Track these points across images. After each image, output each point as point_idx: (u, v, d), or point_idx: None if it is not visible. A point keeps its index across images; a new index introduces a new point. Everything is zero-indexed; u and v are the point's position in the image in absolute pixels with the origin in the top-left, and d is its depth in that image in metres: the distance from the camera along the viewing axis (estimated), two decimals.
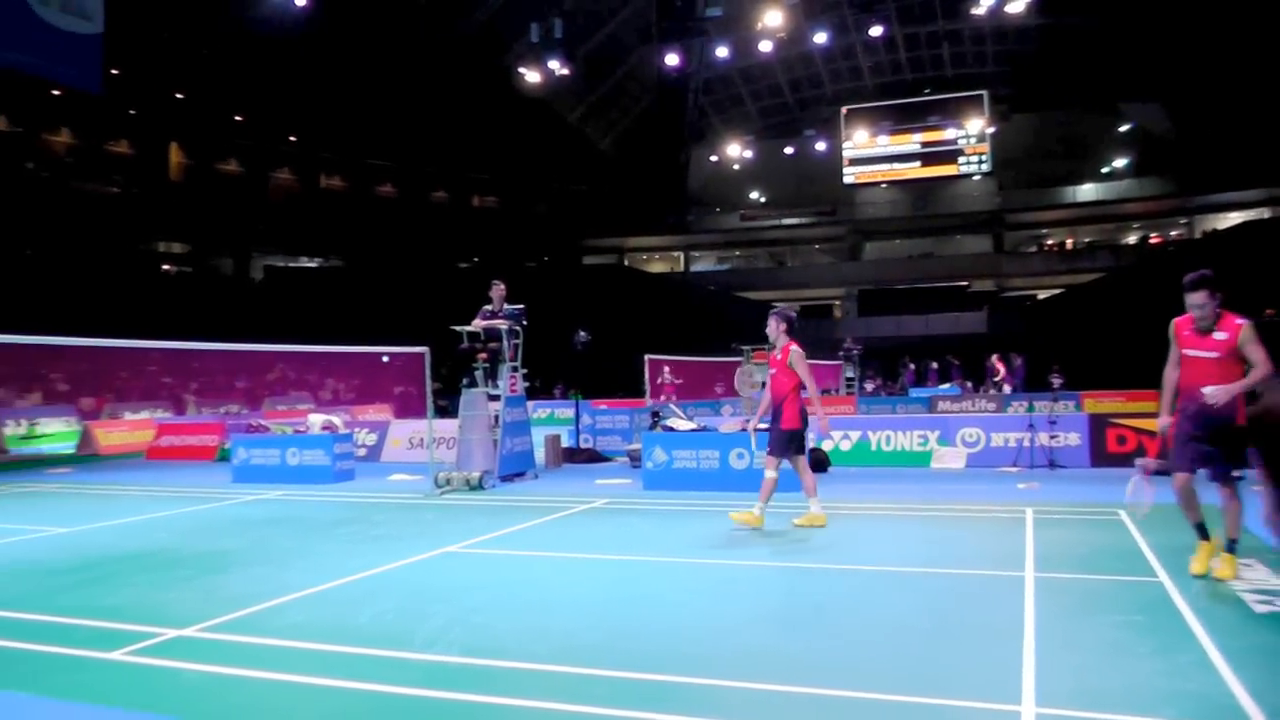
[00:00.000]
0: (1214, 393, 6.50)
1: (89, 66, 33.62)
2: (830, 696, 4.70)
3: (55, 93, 40.09)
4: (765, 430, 9.94)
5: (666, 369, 25.47)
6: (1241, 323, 6.66)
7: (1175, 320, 6.92)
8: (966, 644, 5.55)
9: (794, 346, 9.67)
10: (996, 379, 30.68)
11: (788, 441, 9.61)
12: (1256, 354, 6.56)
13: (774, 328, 9.85)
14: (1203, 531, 6.88)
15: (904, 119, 58.65)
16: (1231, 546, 6.79)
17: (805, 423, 9.75)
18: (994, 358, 31.44)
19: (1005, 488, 12.49)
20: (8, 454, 22.32)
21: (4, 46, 30.90)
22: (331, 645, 5.75)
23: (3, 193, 40.36)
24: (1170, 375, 6.94)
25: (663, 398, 21.16)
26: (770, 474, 9.62)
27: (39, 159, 44.80)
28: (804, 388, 9.62)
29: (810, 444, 14.41)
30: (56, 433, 25.47)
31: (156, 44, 42.23)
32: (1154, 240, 55.97)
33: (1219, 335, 6.70)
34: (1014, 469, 14.54)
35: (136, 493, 14.56)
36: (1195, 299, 6.73)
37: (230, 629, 6.20)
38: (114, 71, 37.37)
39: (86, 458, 21.32)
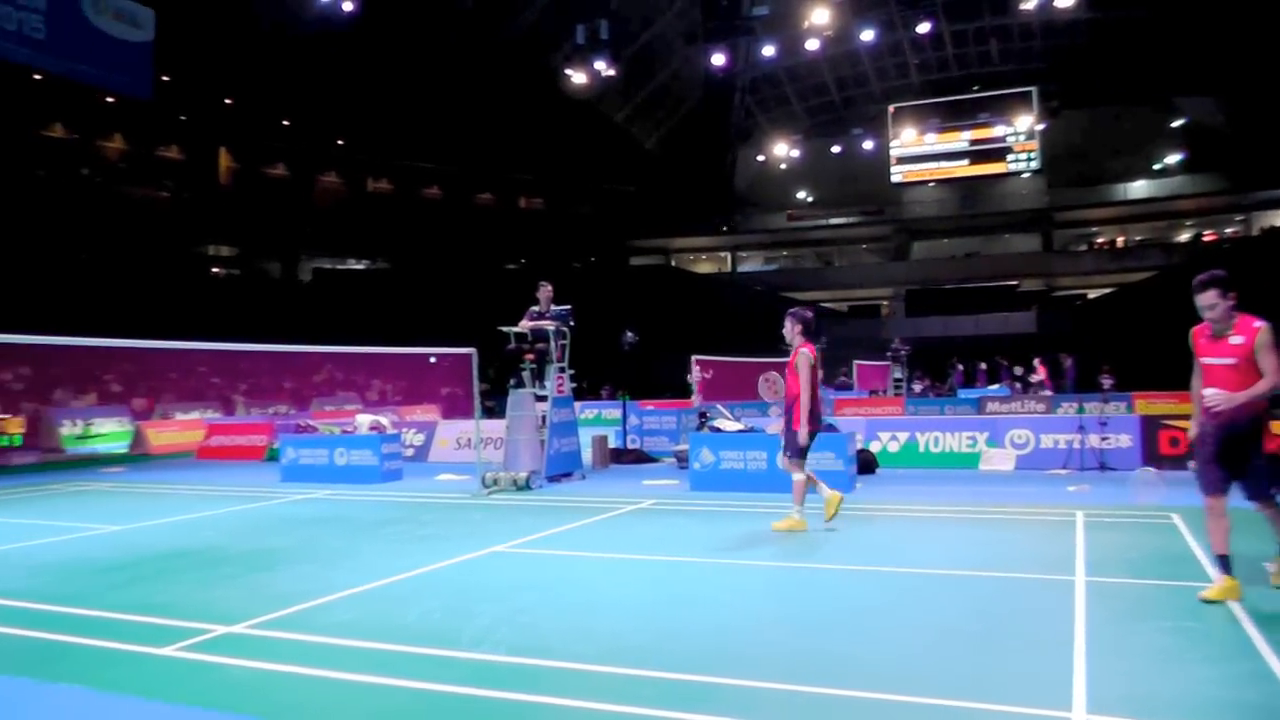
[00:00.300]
0: (1212, 396, 6.17)
1: (140, 74, 34.22)
2: (877, 700, 4.63)
3: (108, 100, 40.78)
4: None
5: (696, 367, 25.38)
6: (1259, 326, 6.17)
7: (1194, 328, 6.47)
8: (1015, 648, 5.45)
9: (804, 349, 9.53)
10: (1035, 379, 30.26)
11: (801, 445, 9.48)
12: (1268, 361, 6.07)
13: (789, 329, 9.73)
14: (1225, 564, 6.29)
15: (952, 116, 57.99)
16: None
17: (818, 426, 9.61)
18: (1036, 360, 31.04)
19: (1055, 490, 12.30)
20: (64, 453, 22.76)
21: (60, 55, 31.54)
22: (379, 643, 5.76)
23: (58, 198, 41.16)
24: (1195, 386, 6.51)
25: (695, 398, 21.09)
26: (798, 476, 9.52)
27: (93, 165, 45.61)
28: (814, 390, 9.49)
29: (859, 444, 14.34)
30: (110, 432, 25.88)
31: (205, 51, 42.82)
32: (1208, 238, 54.85)
33: (1234, 340, 6.23)
34: (1064, 471, 14.31)
35: (187, 492, 14.75)
36: (1204, 299, 6.28)
37: (278, 626, 6.24)
38: (164, 78, 37.94)
39: (139, 457, 21.65)
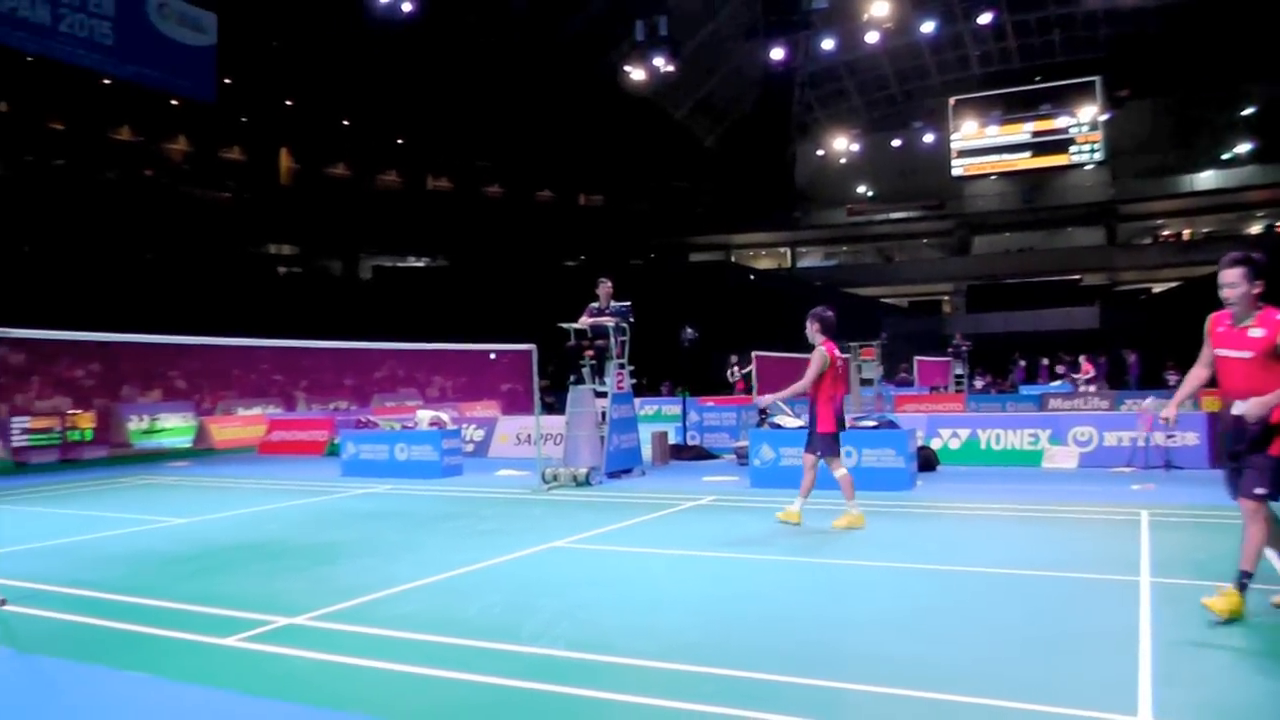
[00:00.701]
0: (1247, 409, 5.54)
1: (204, 77, 34.87)
2: (938, 700, 4.55)
3: (173, 103, 41.54)
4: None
5: (735, 364, 25.24)
6: None
7: (1213, 314, 5.89)
8: (1079, 650, 5.31)
9: (821, 348, 9.47)
10: (1082, 377, 29.72)
11: (831, 442, 9.48)
12: None
13: (809, 328, 9.71)
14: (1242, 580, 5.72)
15: (1013, 108, 57.03)
16: (1239, 580, 5.69)
17: (841, 425, 9.56)
18: (1082, 357, 30.50)
19: (1119, 489, 12.02)
20: (132, 448, 23.25)
21: (127, 60, 32.23)
22: (440, 636, 5.78)
23: (126, 199, 42.03)
24: (1194, 374, 6.01)
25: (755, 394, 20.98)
26: (839, 472, 9.47)
27: (157, 166, 46.52)
28: (836, 389, 9.50)
29: (919, 441, 14.15)
30: (175, 427, 26.38)
31: (266, 54, 43.50)
32: None
33: (1254, 333, 5.62)
34: (1128, 469, 13.98)
35: (250, 486, 14.98)
36: (1226, 278, 5.69)
37: (341, 618, 6.29)
38: (226, 81, 38.60)
39: (202, 452, 22.06)
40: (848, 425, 13.09)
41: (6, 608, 6.77)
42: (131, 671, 5.32)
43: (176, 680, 5.14)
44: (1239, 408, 5.63)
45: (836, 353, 9.59)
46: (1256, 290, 5.68)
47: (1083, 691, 4.58)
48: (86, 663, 5.50)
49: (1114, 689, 4.61)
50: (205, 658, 5.57)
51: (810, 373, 9.43)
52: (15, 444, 19.92)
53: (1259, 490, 5.59)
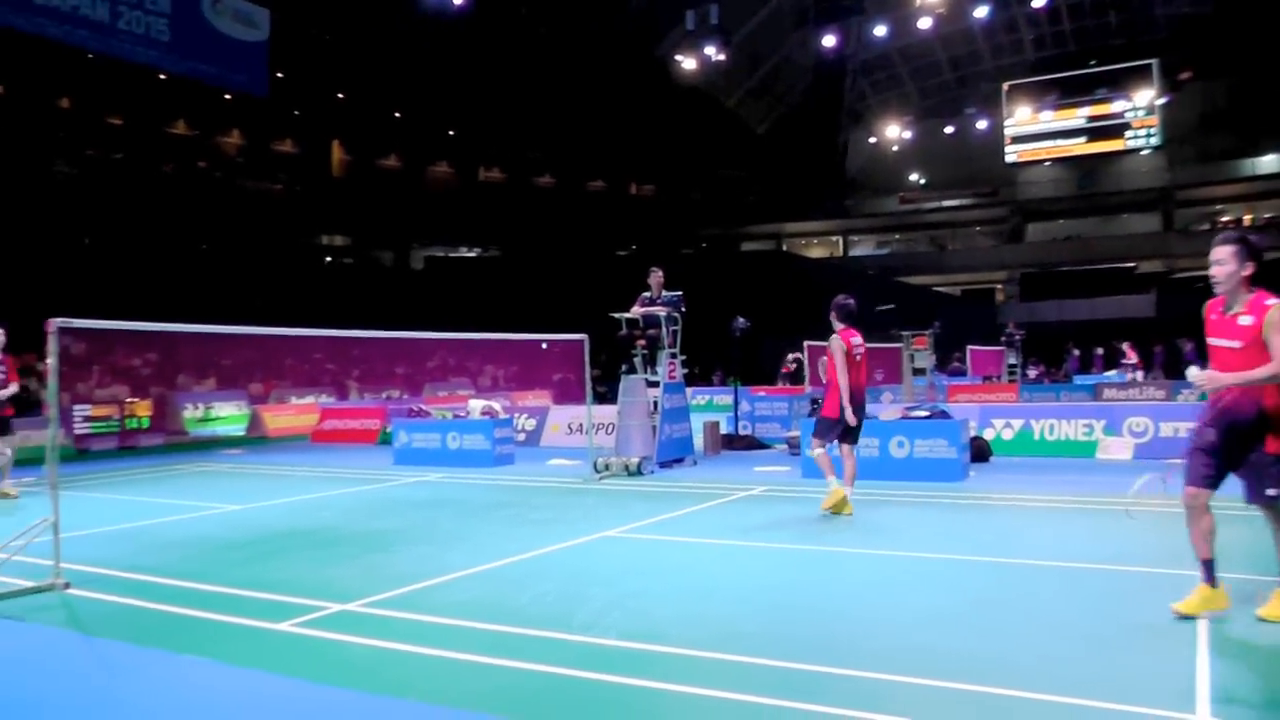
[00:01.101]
0: (1196, 375, 5.41)
1: (257, 72, 35.38)
2: (991, 695, 4.47)
3: (226, 97, 42.08)
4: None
5: (792, 360, 25.06)
6: (1272, 304, 5.22)
7: (1209, 301, 5.59)
8: (1135, 645, 5.21)
9: (835, 336, 9.65)
10: (1127, 363, 29.17)
11: (826, 428, 9.73)
12: (1278, 343, 5.17)
13: (832, 316, 9.83)
14: (1207, 570, 5.63)
15: (1068, 93, 56.00)
16: None
17: (857, 415, 9.65)
18: (1126, 345, 29.94)
19: (1175, 481, 11.72)
20: (187, 435, 23.64)
21: (183, 56, 32.77)
22: (492, 624, 5.81)
23: (180, 192, 42.69)
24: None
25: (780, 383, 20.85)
26: (815, 451, 9.85)
27: (211, 159, 47.17)
28: (852, 377, 9.66)
29: (972, 432, 13.99)
30: (229, 416, 26.78)
31: (318, 47, 43.92)
32: None
33: (1243, 320, 5.28)
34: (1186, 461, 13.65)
35: (302, 473, 15.16)
36: (1215, 255, 5.36)
37: (393, 605, 6.34)
38: (279, 75, 39.06)
39: (256, 439, 22.36)
40: (899, 415, 13.06)
41: (70, 591, 6.92)
42: (189, 655, 5.41)
43: (232, 664, 5.21)
44: (1191, 372, 5.51)
45: (853, 341, 9.68)
46: (1246, 272, 5.35)
47: (1137, 686, 4.50)
48: (146, 646, 5.60)
49: (1170, 684, 4.52)
50: (260, 642, 5.64)
51: (838, 362, 9.60)
52: (78, 431, 20.34)
53: (1271, 492, 5.34)
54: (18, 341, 25.09)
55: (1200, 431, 5.64)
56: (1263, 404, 5.30)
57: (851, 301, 9.88)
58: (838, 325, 9.72)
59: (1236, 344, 5.33)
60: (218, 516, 10.64)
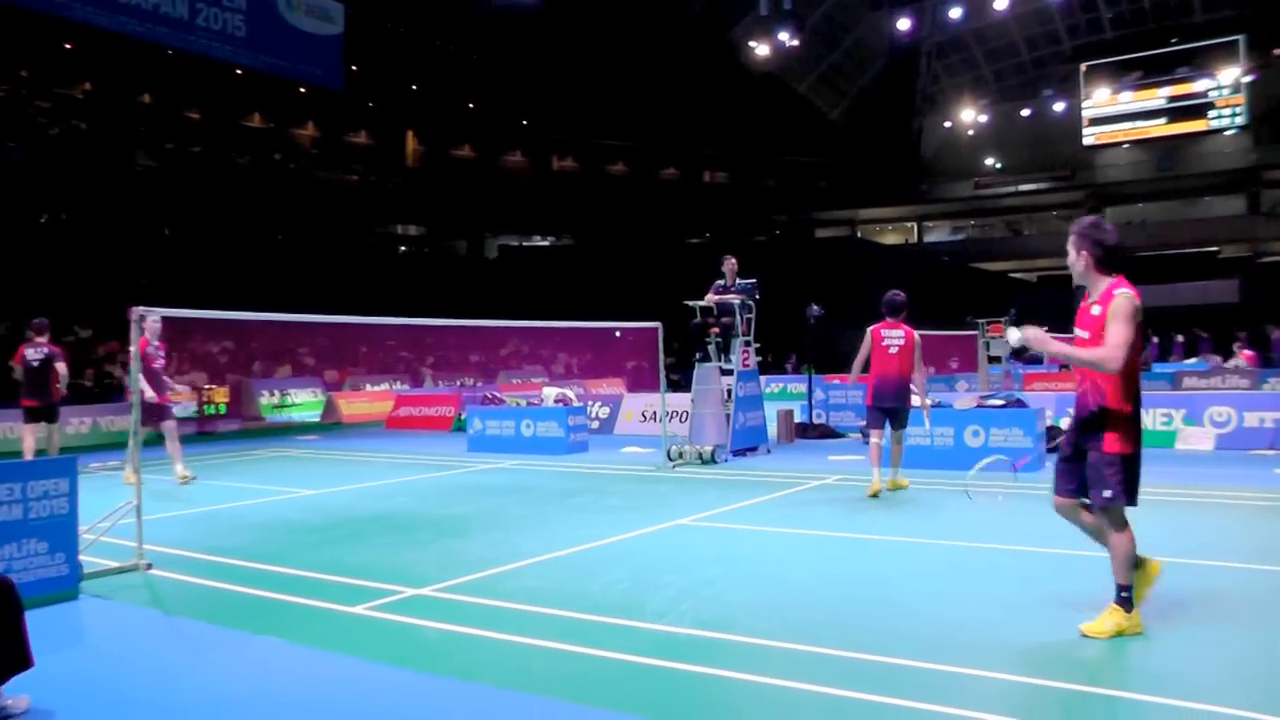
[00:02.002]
0: (1016, 335, 5.19)
1: (331, 65, 35.96)
2: (1067, 690, 4.37)
3: (301, 90, 42.78)
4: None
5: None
6: (1120, 292, 5.00)
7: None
8: (1222, 642, 5.06)
9: (869, 329, 10.48)
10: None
11: (867, 417, 10.70)
12: (1114, 332, 4.91)
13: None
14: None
15: (1149, 73, 54.46)
16: (1119, 596, 5.10)
17: (876, 400, 10.37)
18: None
19: (1261, 472, 11.41)
20: (264, 421, 24.13)
21: (259, 51, 33.42)
22: (564, 611, 5.83)
23: (256, 183, 43.53)
24: None
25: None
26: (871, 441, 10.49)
27: (287, 151, 48.00)
28: (879, 367, 10.41)
29: (1048, 421, 13.71)
30: (304, 402, 27.28)
31: (392, 40, 44.41)
32: None
33: (1094, 310, 5.08)
34: (1271, 452, 13.25)
35: (377, 459, 15.38)
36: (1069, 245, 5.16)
37: (466, 590, 6.40)
38: (353, 68, 39.61)
39: (330, 426, 22.74)
40: (974, 404, 12.89)
41: (153, 572, 7.10)
42: (266, 636, 5.52)
43: (308, 646, 5.30)
44: (1012, 335, 5.25)
45: (884, 333, 10.37)
46: (1083, 262, 5.16)
47: (1228, 686, 4.37)
48: (225, 626, 5.72)
49: (1262, 684, 4.39)
50: (334, 625, 5.73)
51: (863, 352, 10.43)
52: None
53: (1106, 494, 5.04)
54: (103, 328, 25.82)
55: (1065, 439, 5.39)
56: (1104, 402, 5.04)
57: (900, 296, 10.52)
58: (887, 319, 10.42)
59: (1086, 334, 5.11)
60: (293, 501, 10.84)
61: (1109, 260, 5.14)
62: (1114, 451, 5.03)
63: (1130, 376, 5.02)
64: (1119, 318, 4.89)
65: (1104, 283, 5.11)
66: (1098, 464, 5.07)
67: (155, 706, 4.51)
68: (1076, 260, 5.19)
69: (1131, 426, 5.06)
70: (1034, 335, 5.13)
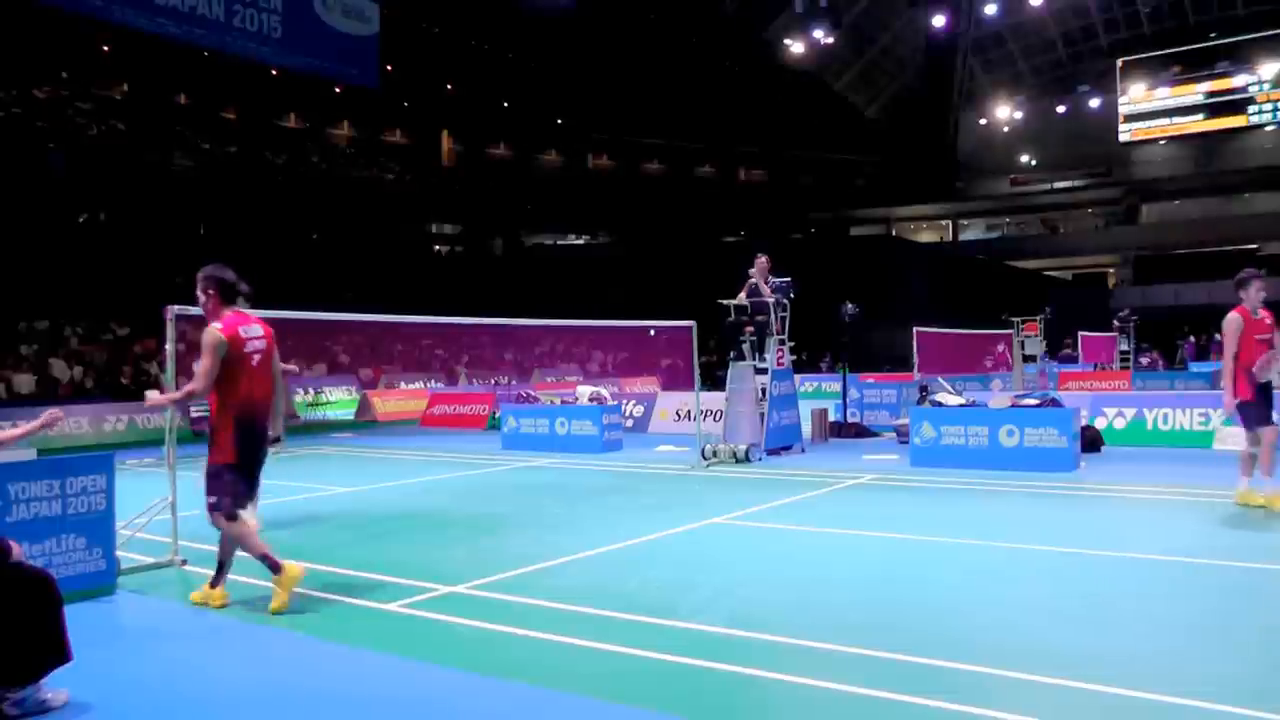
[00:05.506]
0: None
1: (367, 65, 36.17)
2: (1109, 694, 4.29)
3: (337, 90, 43.07)
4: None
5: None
6: (209, 328, 6.16)
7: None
8: (1261, 646, 4.98)
9: None
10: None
11: None
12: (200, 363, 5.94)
13: None
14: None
15: (1187, 68, 53.80)
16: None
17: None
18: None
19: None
20: (299, 419, 24.29)
21: (295, 51, 33.67)
22: (599, 609, 5.83)
23: (292, 183, 43.87)
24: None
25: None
26: None
27: (322, 151, 48.36)
28: None
29: (1083, 420, 13.57)
30: (339, 400, 27.45)
31: (427, 40, 44.63)
32: None
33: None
34: None
35: (412, 457, 15.45)
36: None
37: (501, 588, 6.42)
38: (389, 68, 39.82)
39: (365, 423, 22.86)
40: (1009, 403, 12.80)
41: (187, 568, 7.17)
42: (299, 633, 5.56)
43: (342, 643, 5.33)
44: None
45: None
46: (206, 301, 6.27)
47: (1265, 690, 4.29)
48: (259, 623, 5.78)
49: None
50: (369, 622, 5.76)
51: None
52: (194, 414, 21.02)
53: (210, 500, 6.02)
54: (140, 327, 26.08)
55: None
56: (210, 419, 6.09)
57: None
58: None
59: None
60: (328, 498, 10.91)
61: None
62: (212, 463, 6.24)
63: None
64: None
65: (221, 316, 6.24)
66: (207, 474, 6.23)
67: (191, 701, 4.55)
68: (205, 301, 6.38)
69: None
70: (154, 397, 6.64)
